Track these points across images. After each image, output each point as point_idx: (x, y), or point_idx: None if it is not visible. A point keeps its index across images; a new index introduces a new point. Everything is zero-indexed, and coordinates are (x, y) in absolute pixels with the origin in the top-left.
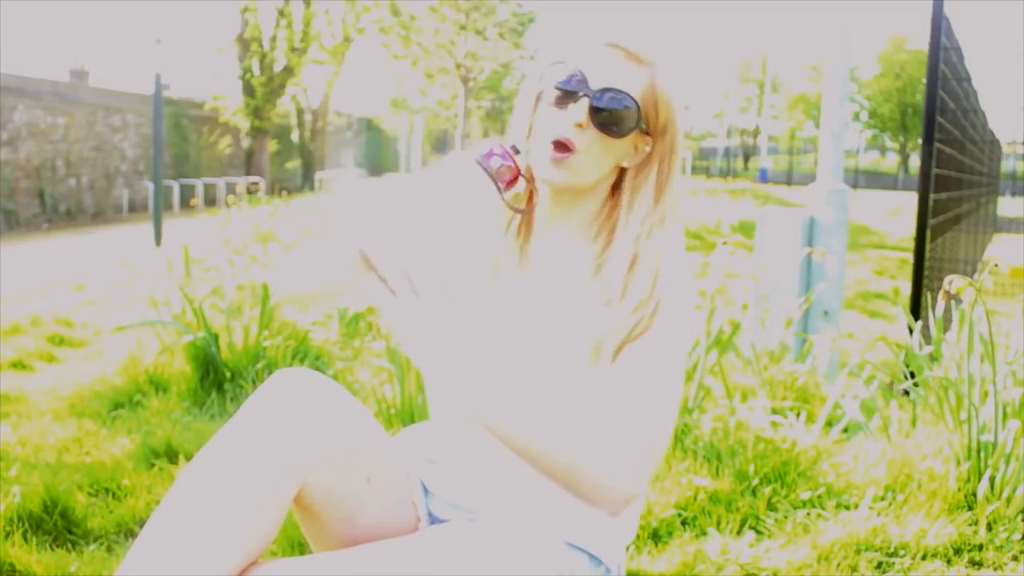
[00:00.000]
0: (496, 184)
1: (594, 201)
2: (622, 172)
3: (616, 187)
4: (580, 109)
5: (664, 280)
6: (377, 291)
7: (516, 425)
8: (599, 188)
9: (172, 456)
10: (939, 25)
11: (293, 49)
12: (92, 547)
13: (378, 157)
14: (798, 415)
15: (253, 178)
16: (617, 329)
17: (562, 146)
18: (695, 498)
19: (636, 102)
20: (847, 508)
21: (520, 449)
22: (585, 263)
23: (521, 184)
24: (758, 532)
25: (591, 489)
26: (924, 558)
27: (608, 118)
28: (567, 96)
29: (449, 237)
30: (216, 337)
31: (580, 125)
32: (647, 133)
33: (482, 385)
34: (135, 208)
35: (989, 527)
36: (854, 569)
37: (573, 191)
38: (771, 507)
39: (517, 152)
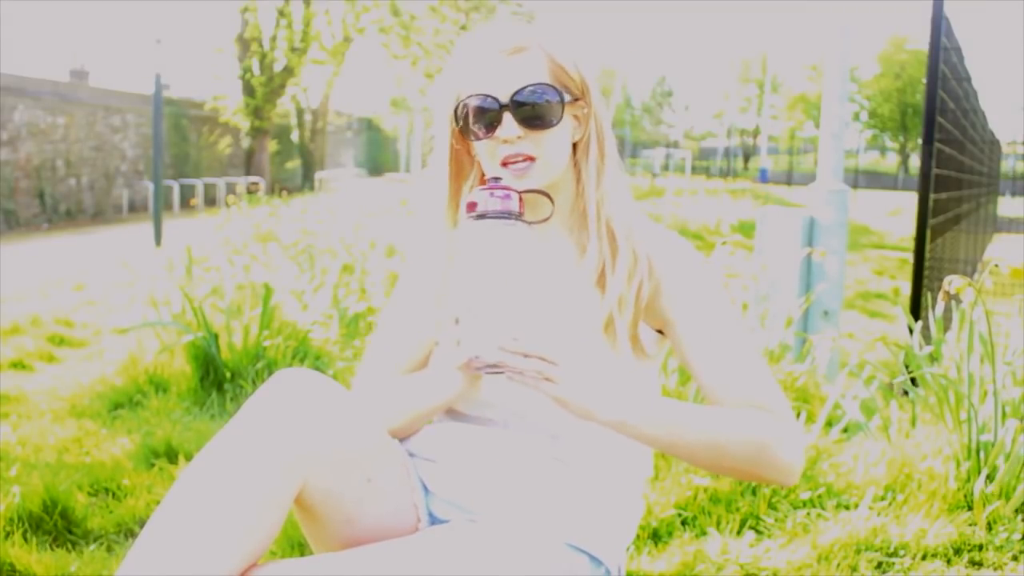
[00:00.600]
0: (520, 219)
1: (567, 186)
2: (574, 147)
3: (575, 163)
4: (507, 125)
5: (647, 237)
6: (528, 384)
7: (705, 435)
8: (565, 173)
9: (172, 456)
10: (939, 25)
11: (293, 49)
12: (92, 547)
13: (378, 157)
14: (798, 415)
15: (253, 178)
16: (621, 303)
17: (514, 163)
18: (695, 498)
19: (549, 84)
20: (847, 508)
21: (712, 455)
22: (569, 249)
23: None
24: (758, 532)
25: (773, 470)
26: (924, 558)
27: (536, 114)
28: (488, 120)
29: (531, 298)
30: (216, 337)
31: (519, 138)
32: (577, 100)
33: (667, 414)
34: (135, 208)
35: (989, 527)
36: (854, 569)
37: (546, 187)
38: (771, 507)
39: (499, 179)
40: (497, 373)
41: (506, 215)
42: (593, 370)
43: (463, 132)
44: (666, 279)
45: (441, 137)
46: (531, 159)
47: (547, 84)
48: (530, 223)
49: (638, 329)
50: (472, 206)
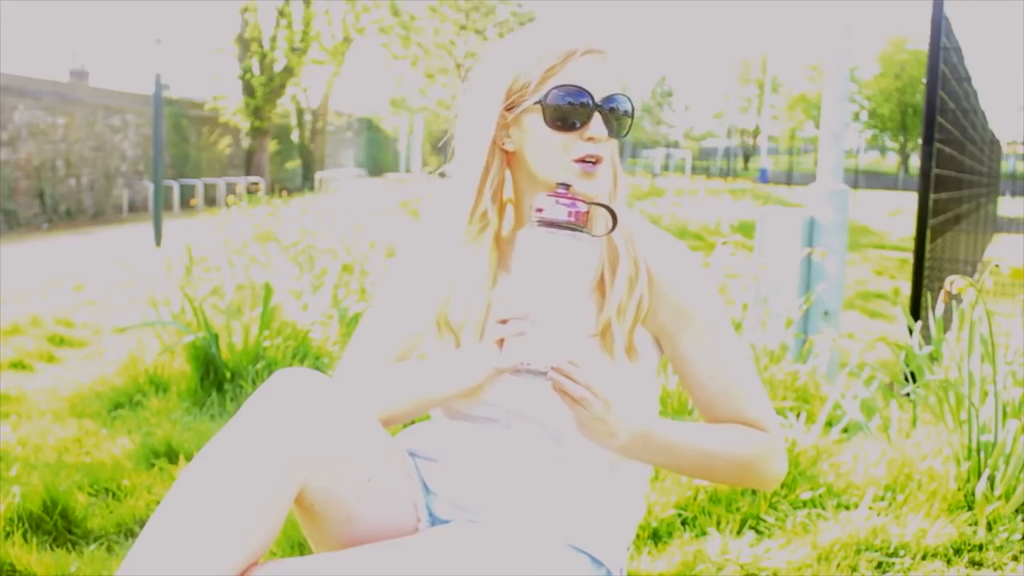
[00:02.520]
0: (586, 231)
1: None
2: None
3: None
4: (596, 124)
5: (648, 244)
6: (563, 400)
7: (696, 459)
8: None
9: (172, 456)
10: (939, 25)
11: (293, 49)
12: (92, 547)
13: (378, 157)
14: (798, 415)
15: (253, 178)
16: (621, 311)
17: (588, 162)
18: (695, 498)
19: (630, 99)
20: (847, 508)
21: (701, 473)
22: None
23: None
24: (758, 532)
25: (760, 480)
26: (924, 558)
27: (619, 124)
28: (575, 113)
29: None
30: (216, 337)
31: (602, 139)
32: None
33: (663, 442)
34: (135, 208)
35: (989, 527)
36: (854, 569)
37: None
38: (771, 507)
39: (569, 187)
40: (541, 377)
41: (575, 227)
42: (622, 405)
43: (547, 120)
44: (666, 289)
45: (484, 128)
46: (601, 160)
47: (629, 98)
48: (594, 236)
49: (634, 336)
50: (541, 211)
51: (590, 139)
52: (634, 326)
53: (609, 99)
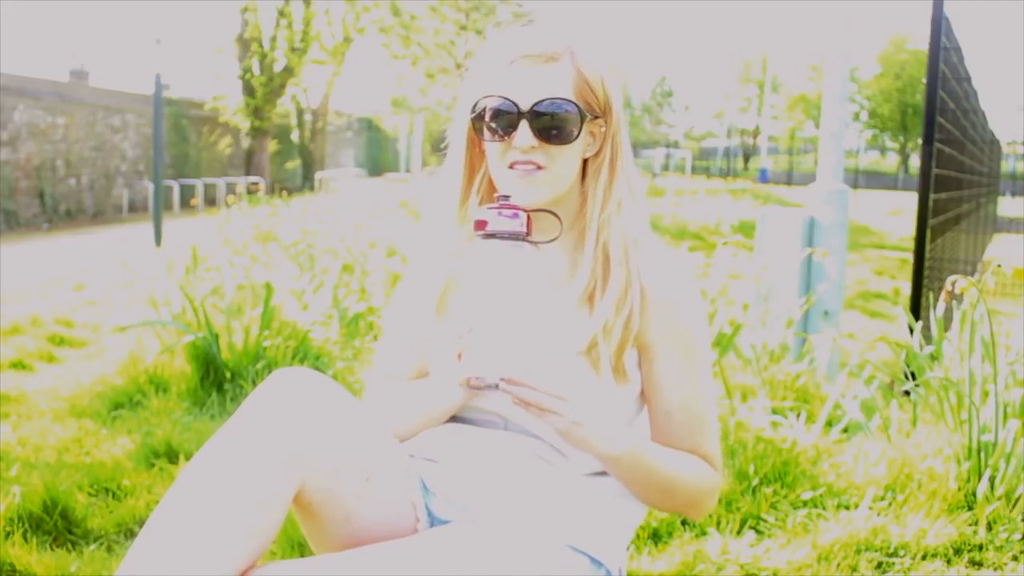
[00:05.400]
0: (527, 239)
1: (571, 201)
2: (585, 162)
3: (584, 178)
4: (522, 133)
5: (649, 270)
6: (530, 411)
7: (668, 482)
8: (572, 188)
9: (172, 456)
10: (939, 25)
11: (293, 49)
12: (92, 547)
13: (378, 157)
14: (798, 415)
15: (253, 178)
16: (607, 330)
17: (524, 169)
18: None
19: (572, 101)
20: (847, 508)
21: (662, 497)
22: (561, 264)
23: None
24: (758, 532)
25: (698, 513)
26: (924, 558)
27: (553, 127)
28: (504, 125)
29: (529, 320)
30: (216, 337)
31: (532, 148)
32: (597, 117)
33: (649, 459)
34: (135, 208)
35: (989, 527)
36: (854, 569)
37: (550, 201)
38: (771, 507)
39: (507, 197)
40: (495, 389)
41: (513, 236)
42: (595, 408)
43: (476, 130)
44: (657, 309)
45: (459, 132)
46: (539, 167)
47: (569, 100)
48: (537, 243)
49: (623, 357)
50: (481, 224)
51: (516, 147)
52: (622, 346)
53: (538, 104)
